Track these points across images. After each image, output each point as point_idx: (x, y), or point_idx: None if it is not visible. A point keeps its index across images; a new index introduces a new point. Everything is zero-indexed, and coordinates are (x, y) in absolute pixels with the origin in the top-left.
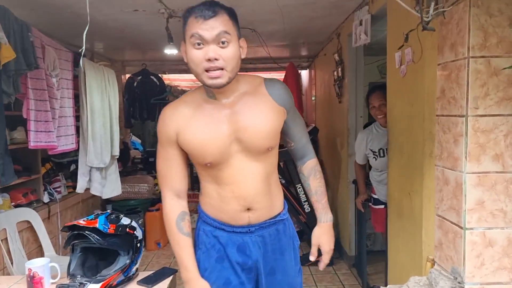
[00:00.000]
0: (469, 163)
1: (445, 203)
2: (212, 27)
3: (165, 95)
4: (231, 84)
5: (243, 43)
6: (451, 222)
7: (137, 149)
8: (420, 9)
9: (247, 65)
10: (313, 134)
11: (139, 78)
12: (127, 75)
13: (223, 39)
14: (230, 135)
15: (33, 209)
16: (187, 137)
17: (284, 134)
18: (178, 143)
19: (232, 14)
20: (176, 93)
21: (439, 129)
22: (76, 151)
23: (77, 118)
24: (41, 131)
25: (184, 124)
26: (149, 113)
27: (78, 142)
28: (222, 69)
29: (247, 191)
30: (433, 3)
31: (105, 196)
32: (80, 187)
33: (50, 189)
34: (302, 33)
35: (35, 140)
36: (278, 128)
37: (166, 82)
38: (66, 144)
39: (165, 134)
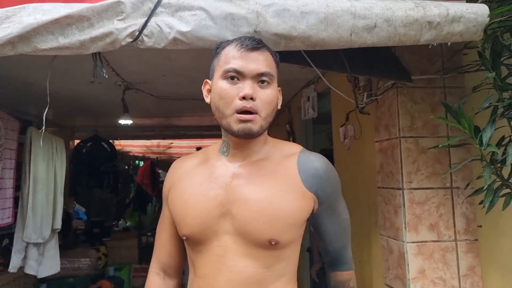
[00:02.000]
0: (408, 233)
1: (391, 272)
2: (255, 60)
3: (115, 163)
4: (256, 141)
5: (280, 94)
6: None
7: (80, 218)
8: (355, 96)
9: (203, 131)
10: None
11: (89, 144)
12: (76, 141)
13: (265, 78)
14: (220, 205)
15: None
16: (173, 195)
17: (312, 226)
18: (168, 202)
19: (275, 56)
20: (127, 159)
21: (381, 200)
22: (11, 224)
23: (18, 187)
24: None
25: (180, 178)
26: (97, 181)
27: (15, 216)
28: (256, 113)
29: None
30: (365, 93)
31: (41, 275)
32: (14, 266)
33: None
34: None
35: None
36: (295, 218)
37: (117, 147)
38: (2, 218)
39: (163, 190)
